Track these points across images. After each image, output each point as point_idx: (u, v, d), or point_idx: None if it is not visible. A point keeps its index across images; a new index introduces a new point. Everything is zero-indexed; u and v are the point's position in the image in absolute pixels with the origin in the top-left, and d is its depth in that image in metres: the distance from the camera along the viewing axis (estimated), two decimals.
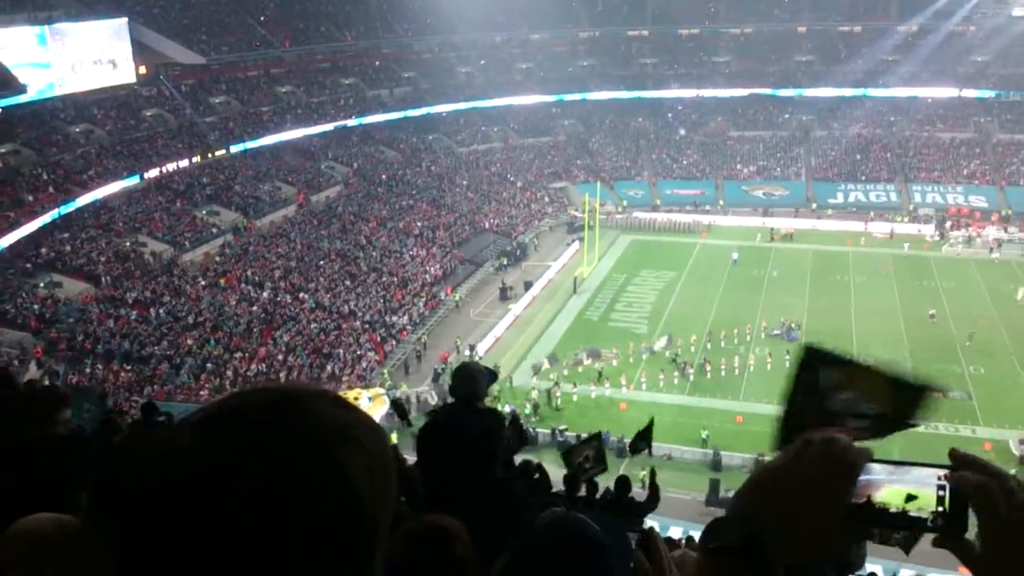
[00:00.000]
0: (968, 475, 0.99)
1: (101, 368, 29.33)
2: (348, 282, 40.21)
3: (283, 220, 45.22)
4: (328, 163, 53.13)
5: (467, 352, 35.00)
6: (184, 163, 44.63)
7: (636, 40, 70.54)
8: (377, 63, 63.28)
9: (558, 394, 31.80)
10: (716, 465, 27.02)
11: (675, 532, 18.59)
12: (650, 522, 9.59)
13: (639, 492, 11.43)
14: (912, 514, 1.00)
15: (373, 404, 26.78)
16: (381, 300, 39.17)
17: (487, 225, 51.49)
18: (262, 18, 57.21)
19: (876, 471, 1.01)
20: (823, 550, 1.00)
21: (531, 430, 29.27)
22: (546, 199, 57.43)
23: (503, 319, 39.58)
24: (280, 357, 32.78)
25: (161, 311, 33.83)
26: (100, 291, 34.15)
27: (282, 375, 31.53)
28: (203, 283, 37.16)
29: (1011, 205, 52.89)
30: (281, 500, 0.77)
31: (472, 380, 4.34)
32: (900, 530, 1.06)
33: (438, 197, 53.09)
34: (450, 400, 4.42)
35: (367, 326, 36.73)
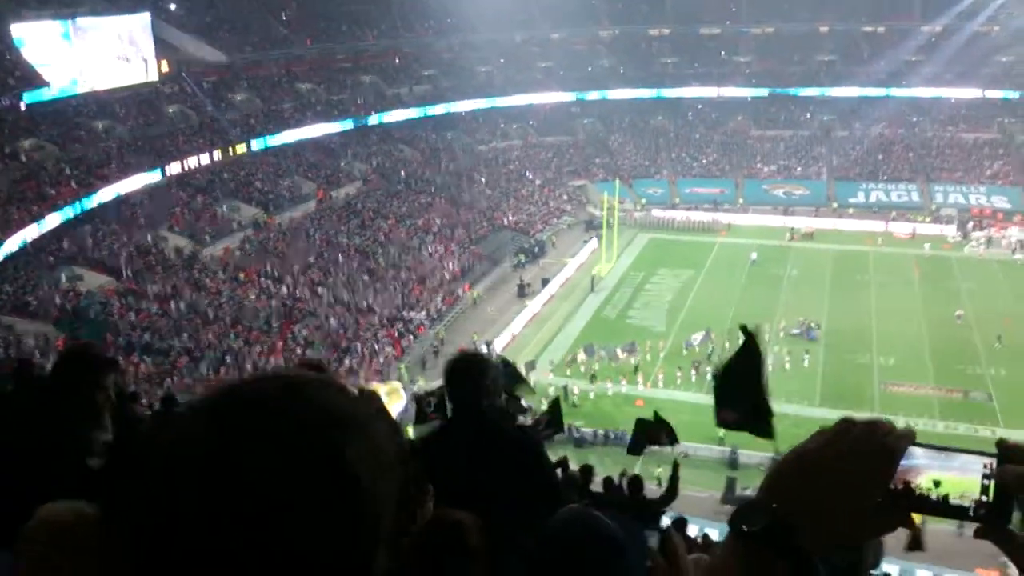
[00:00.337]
0: (1015, 467, 0.95)
1: (122, 360, 29.58)
2: (366, 278, 40.40)
3: (303, 216, 45.47)
4: (348, 160, 53.35)
5: (484, 348, 35.03)
6: (205, 159, 44.95)
7: (657, 39, 70.27)
8: (397, 61, 63.45)
9: (575, 391, 31.79)
10: (733, 463, 26.92)
11: (691, 530, 18.52)
12: (667, 520, 9.56)
13: (654, 489, 11.45)
14: (953, 503, 0.97)
15: (389, 399, 26.89)
16: (399, 296, 39.34)
17: (505, 222, 51.54)
18: (284, 16, 57.57)
19: (918, 456, 0.98)
20: (857, 537, 0.98)
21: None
22: (565, 197, 57.40)
23: (520, 316, 39.62)
24: (298, 351, 32.96)
25: (182, 305, 34.11)
26: (121, 284, 34.46)
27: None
28: (223, 277, 37.44)
29: None
30: (282, 487, 0.76)
31: (496, 380, 4.35)
32: (941, 518, 0.99)
33: (457, 195, 53.21)
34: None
35: (385, 321, 36.88)
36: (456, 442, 3.35)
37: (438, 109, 60.44)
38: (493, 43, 64.51)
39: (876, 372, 33.72)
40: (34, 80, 38.47)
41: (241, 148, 47.47)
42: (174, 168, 42.91)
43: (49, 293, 32.12)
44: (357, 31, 60.76)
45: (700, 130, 65.40)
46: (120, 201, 39.29)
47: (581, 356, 34.89)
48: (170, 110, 47.48)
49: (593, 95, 66.38)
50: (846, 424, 0.99)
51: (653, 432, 13.03)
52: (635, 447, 12.92)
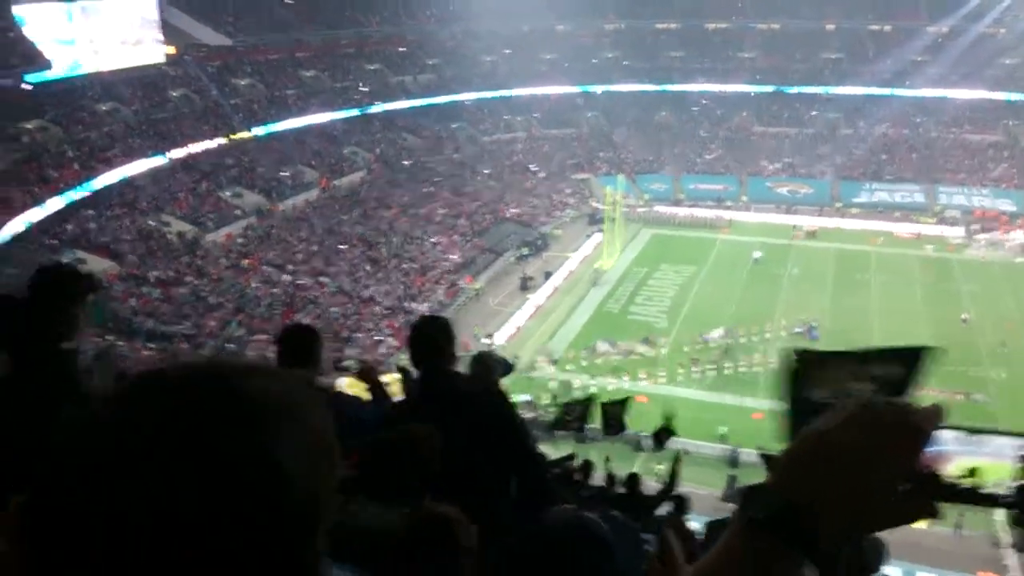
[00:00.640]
0: None
1: (124, 345, 29.52)
2: (369, 267, 40.34)
3: (305, 204, 45.38)
4: (351, 148, 53.21)
5: (485, 341, 35.02)
6: (209, 144, 44.84)
7: (663, 33, 70.04)
8: (401, 49, 63.23)
9: (576, 385, 31.77)
10: (733, 461, 26.91)
11: (692, 527, 18.57)
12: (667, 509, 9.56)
13: (654, 486, 11.43)
14: (984, 491, 0.91)
15: (390, 389, 26.85)
16: (401, 286, 39.28)
17: (508, 215, 51.45)
18: (288, 1, 57.29)
19: (947, 439, 0.93)
20: (876, 525, 0.90)
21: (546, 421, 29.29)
22: (568, 190, 57.28)
23: (523, 309, 39.57)
24: None
25: (184, 291, 34.04)
26: (124, 269, 34.37)
27: None
28: (225, 264, 37.36)
29: None
30: (200, 483, 0.69)
31: (487, 369, 4.35)
32: (971, 506, 0.93)
33: (460, 185, 53.10)
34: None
35: (387, 311, 36.84)
36: (427, 406, 3.37)
37: (442, 98, 60.29)
38: (498, 33, 64.35)
39: None
40: (36, 60, 38.29)
41: (245, 134, 47.32)
42: (178, 152, 42.79)
43: None
44: (360, 17, 60.51)
45: (705, 126, 65.27)
46: (124, 184, 39.17)
47: (604, 347, 34.88)
48: (174, 94, 47.30)
49: (598, 88, 66.26)
50: (868, 402, 0.91)
51: (614, 411, 13.05)
52: (609, 429, 12.95)
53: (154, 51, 45.28)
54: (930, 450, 0.90)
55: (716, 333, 35.82)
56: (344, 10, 59.81)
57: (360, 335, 34.22)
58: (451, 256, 43.66)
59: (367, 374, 4.57)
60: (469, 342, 35.16)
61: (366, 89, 57.19)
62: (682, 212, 54.66)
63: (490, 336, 35.63)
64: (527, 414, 28.84)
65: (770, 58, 67.01)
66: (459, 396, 3.41)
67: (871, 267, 45.19)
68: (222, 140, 45.74)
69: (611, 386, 32.22)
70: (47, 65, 38.62)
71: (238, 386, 0.75)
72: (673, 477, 10.70)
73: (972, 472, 0.91)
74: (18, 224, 32.23)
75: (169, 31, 46.01)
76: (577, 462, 10.62)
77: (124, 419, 0.72)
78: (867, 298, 40.72)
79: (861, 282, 42.92)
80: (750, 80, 65.79)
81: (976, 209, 53.19)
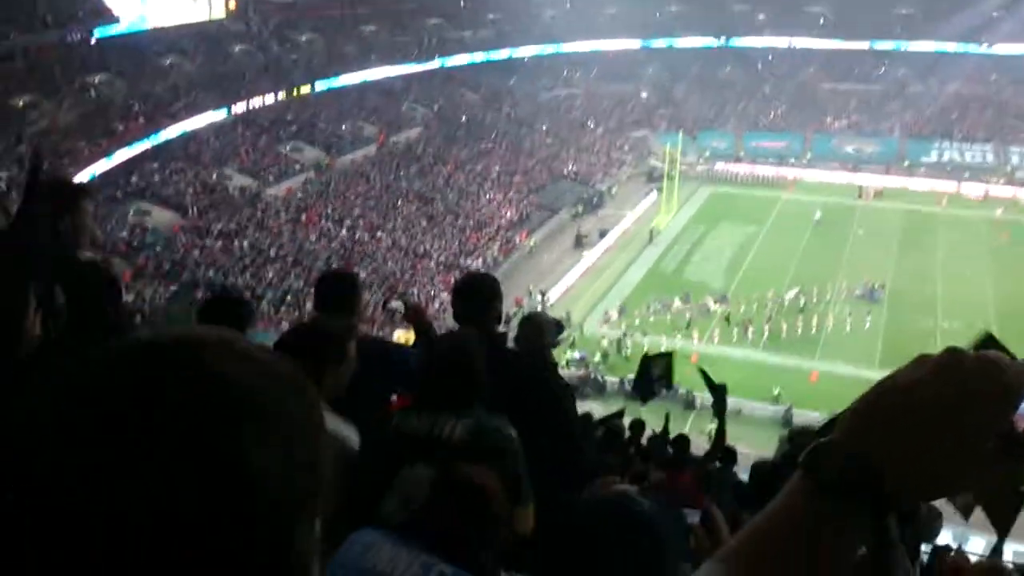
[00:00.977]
0: None
1: (187, 295, 30.34)
2: (424, 223, 40.60)
3: (363, 159, 45.70)
4: (410, 104, 53.27)
5: (538, 298, 35.09)
6: (270, 99, 45.33)
7: None
8: (461, 4, 62.69)
9: (628, 343, 31.71)
10: (787, 422, 26.61)
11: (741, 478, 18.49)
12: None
13: (703, 446, 11.36)
14: None
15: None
16: (456, 242, 39.49)
17: (565, 172, 51.12)
18: None
19: None
20: (955, 487, 0.82)
21: (600, 377, 29.35)
22: (626, 147, 56.60)
23: (576, 267, 39.47)
24: None
25: (245, 243, 34.73)
26: (187, 221, 35.17)
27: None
28: (285, 218, 37.95)
29: None
30: (159, 477, 0.60)
31: (539, 331, 4.27)
32: None
33: (517, 142, 52.86)
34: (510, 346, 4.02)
35: (441, 267, 37.12)
36: None
37: (501, 54, 59.81)
38: None
39: (939, 337, 32.87)
40: (104, 15, 39.01)
41: (305, 89, 47.69)
42: (239, 107, 43.38)
43: (118, 227, 32.93)
44: None
45: (769, 82, 63.66)
46: (186, 138, 39.90)
47: (678, 304, 34.85)
48: (236, 49, 47.80)
49: (659, 43, 64.90)
50: (954, 355, 0.81)
51: (654, 367, 12.66)
52: (643, 389, 12.62)
53: (216, 6, 45.74)
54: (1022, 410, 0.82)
55: (790, 293, 35.30)
56: None
57: (415, 290, 34.58)
58: (506, 213, 43.66)
59: (414, 313, 4.42)
60: (523, 299, 35.30)
61: (425, 44, 57.00)
62: (743, 170, 53.64)
63: (543, 293, 35.68)
64: (579, 372, 28.96)
65: (839, 12, 64.64)
66: (500, 357, 3.19)
67: (938, 229, 43.86)
68: (282, 95, 46.19)
69: (664, 345, 32.10)
70: (115, 20, 39.36)
71: (214, 371, 0.65)
72: (719, 438, 10.62)
73: None
74: (84, 176, 33.15)
75: None
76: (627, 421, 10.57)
77: (81, 404, 0.63)
78: (933, 261, 39.60)
79: (927, 244, 41.73)
80: (818, 34, 63.68)
81: None
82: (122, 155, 35.75)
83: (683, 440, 9.81)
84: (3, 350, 2.74)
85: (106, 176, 34.70)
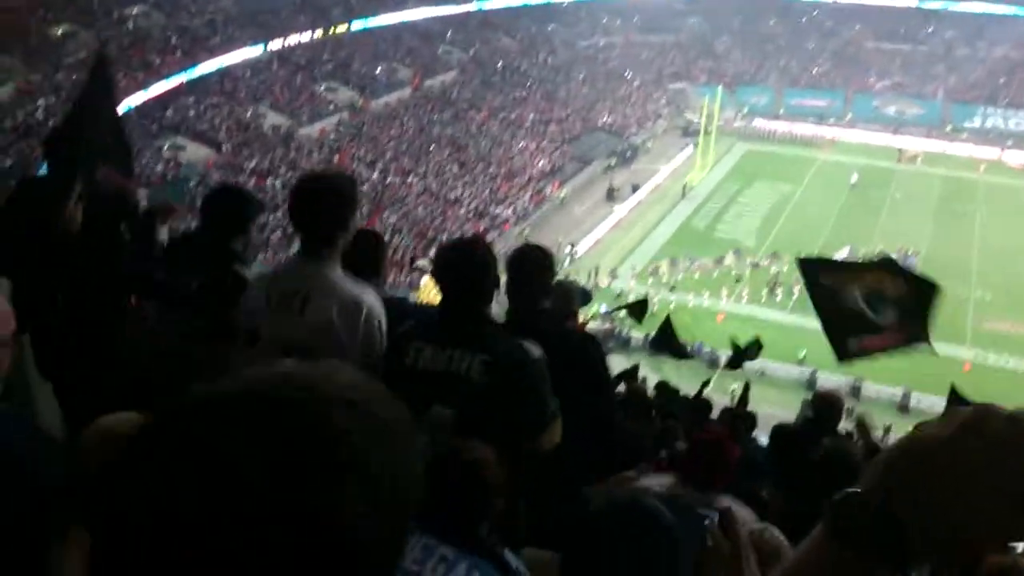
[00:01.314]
0: None
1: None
2: (456, 169, 40.45)
3: (397, 102, 45.42)
4: (445, 48, 52.68)
5: (567, 250, 35.02)
6: (306, 37, 45.04)
7: None
8: None
9: (655, 299, 31.62)
10: (811, 384, 26.58)
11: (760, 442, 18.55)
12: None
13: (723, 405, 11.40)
14: None
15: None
16: (487, 190, 39.35)
17: (600, 123, 50.55)
18: None
19: None
20: (978, 546, 0.81)
21: (625, 332, 29.38)
22: (663, 100, 55.76)
23: (607, 220, 39.25)
24: (386, 237, 33.49)
25: (277, 182, 34.84)
26: (221, 157, 35.31)
27: (389, 253, 32.30)
28: (318, 158, 37.96)
29: None
30: (259, 525, 0.62)
31: (568, 298, 4.25)
32: None
33: (552, 90, 52.23)
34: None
35: (471, 214, 37.06)
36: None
37: None
38: None
39: (972, 306, 32.46)
40: None
41: (341, 28, 47.29)
42: (276, 44, 43.17)
43: (152, 161, 33.13)
44: None
45: (813, 37, 62.18)
46: (222, 74, 39.84)
47: (729, 258, 34.89)
48: None
49: None
50: (982, 413, 0.81)
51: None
52: (673, 348, 12.63)
53: None
54: None
55: (842, 253, 34.87)
56: None
57: (444, 236, 34.60)
58: (539, 162, 43.36)
59: None
60: (551, 250, 35.23)
61: None
62: (781, 128, 52.69)
63: (572, 245, 35.59)
64: (604, 326, 29.02)
65: None
66: (545, 333, 3.12)
67: (977, 197, 42.99)
68: (319, 33, 45.87)
69: (691, 303, 32.03)
70: None
71: (338, 434, 0.67)
72: (743, 401, 10.66)
73: None
74: (120, 108, 33.29)
75: None
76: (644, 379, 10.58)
77: (200, 447, 0.65)
78: (970, 230, 38.91)
79: (965, 212, 40.95)
80: None
81: None
82: (158, 88, 35.80)
83: (704, 404, 9.87)
84: (43, 229, 2.85)
85: (141, 109, 34.82)
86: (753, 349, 13.16)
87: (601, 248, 36.77)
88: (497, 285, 2.77)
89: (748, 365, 15.62)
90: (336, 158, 38.30)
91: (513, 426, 2.48)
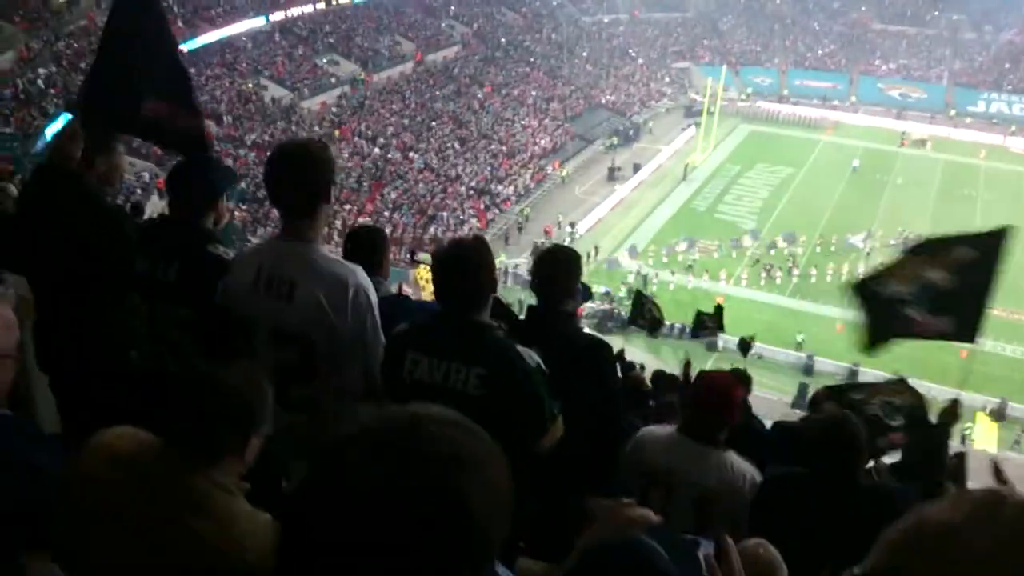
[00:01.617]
0: None
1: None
2: (457, 146, 40.26)
3: (399, 77, 45.11)
4: (449, 21, 52.26)
5: (568, 229, 34.96)
6: (308, 8, 44.68)
7: None
8: None
9: (654, 281, 31.64)
10: (808, 370, 26.67)
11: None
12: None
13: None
14: None
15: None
16: (488, 168, 39.19)
17: (603, 101, 50.26)
18: None
19: None
20: None
21: (624, 313, 29.37)
22: (667, 79, 55.43)
23: (608, 199, 39.15)
24: (386, 214, 33.46)
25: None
26: (221, 130, 35.11)
27: (387, 231, 32.24)
28: (319, 132, 37.76)
29: None
30: (404, 524, 0.83)
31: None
32: None
33: (556, 67, 51.89)
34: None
35: (472, 192, 36.94)
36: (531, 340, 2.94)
37: None
38: None
39: None
40: None
41: None
42: (277, 15, 42.83)
43: None
44: None
45: (819, 18, 61.79)
46: (224, 44, 39.53)
47: (748, 240, 34.91)
48: None
49: None
50: (996, 498, 0.80)
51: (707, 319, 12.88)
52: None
53: None
54: None
55: (858, 238, 34.81)
56: None
57: (444, 214, 34.53)
58: (540, 140, 43.16)
59: None
60: (552, 229, 35.19)
61: None
62: (785, 109, 52.50)
63: (573, 225, 35.52)
64: (602, 306, 29.01)
65: None
66: (559, 335, 3.13)
67: (979, 183, 42.88)
68: (321, 4, 45.50)
69: (690, 284, 32.02)
70: None
71: (434, 434, 0.90)
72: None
73: None
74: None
75: None
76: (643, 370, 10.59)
77: (346, 479, 0.86)
78: (971, 216, 38.75)
79: (967, 198, 40.88)
80: None
81: None
82: None
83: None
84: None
85: None
86: (715, 317, 13.38)
87: (601, 228, 36.70)
88: (494, 288, 2.74)
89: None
90: (337, 132, 38.12)
91: (512, 435, 2.46)
